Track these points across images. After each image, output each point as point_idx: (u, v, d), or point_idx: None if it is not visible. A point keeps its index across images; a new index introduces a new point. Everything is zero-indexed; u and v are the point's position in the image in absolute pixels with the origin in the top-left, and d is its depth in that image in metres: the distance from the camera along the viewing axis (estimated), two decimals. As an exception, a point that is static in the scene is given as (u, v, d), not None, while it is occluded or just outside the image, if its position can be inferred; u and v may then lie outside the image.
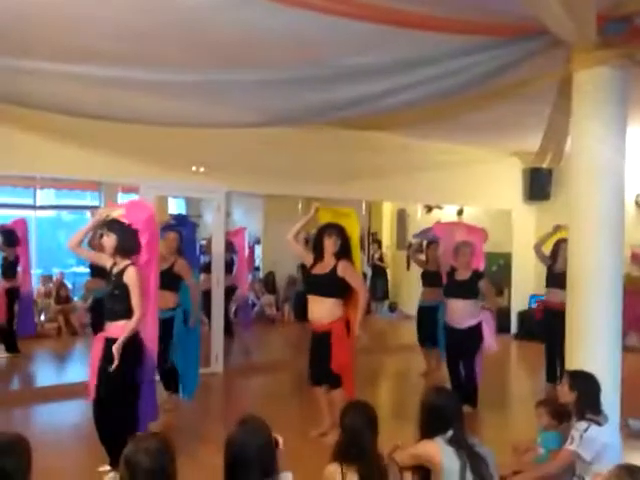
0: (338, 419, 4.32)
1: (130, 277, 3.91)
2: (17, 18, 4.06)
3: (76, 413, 5.52)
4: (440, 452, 2.56)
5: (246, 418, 2.22)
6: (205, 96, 5.41)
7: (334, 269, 4.63)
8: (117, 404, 3.89)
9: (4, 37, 4.37)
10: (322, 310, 4.61)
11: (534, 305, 9.53)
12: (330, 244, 4.69)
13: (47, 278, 9.77)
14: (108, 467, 3.95)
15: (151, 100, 5.26)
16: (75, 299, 9.55)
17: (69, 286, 9.75)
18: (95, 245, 6.19)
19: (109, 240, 3.97)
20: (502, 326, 9.42)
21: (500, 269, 9.57)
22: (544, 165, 6.79)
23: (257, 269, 11.81)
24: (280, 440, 2.27)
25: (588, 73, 4.07)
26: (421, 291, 6.95)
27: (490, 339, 5.38)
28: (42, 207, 10.48)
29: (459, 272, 5.56)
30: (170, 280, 5.11)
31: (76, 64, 4.39)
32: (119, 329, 3.89)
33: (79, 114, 5.24)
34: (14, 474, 1.91)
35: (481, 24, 3.92)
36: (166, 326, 4.95)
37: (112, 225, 4.00)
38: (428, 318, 6.58)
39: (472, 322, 5.37)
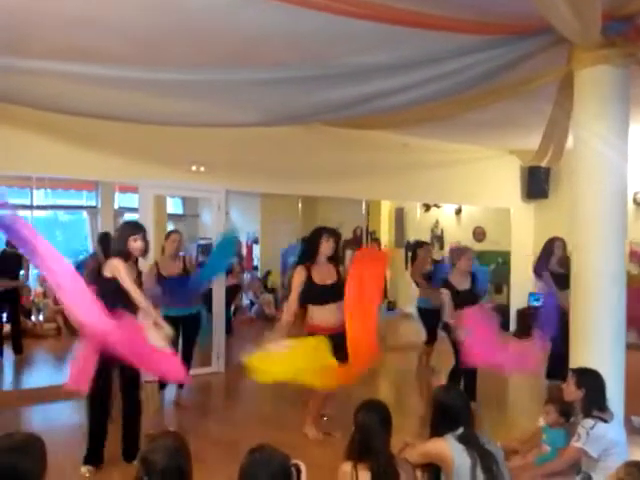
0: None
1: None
2: (21, 16, 4.03)
3: (74, 413, 5.50)
4: (451, 449, 2.57)
5: (256, 448, 2.10)
6: (209, 95, 5.40)
7: (339, 275, 4.72)
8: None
9: (6, 35, 4.35)
10: (339, 314, 4.62)
11: (533, 303, 9.58)
12: (327, 247, 4.72)
13: (44, 278, 9.72)
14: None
15: (152, 99, 5.25)
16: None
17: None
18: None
19: (140, 243, 4.05)
20: (501, 324, 9.48)
21: (499, 267, 9.59)
22: (544, 164, 6.82)
23: (255, 268, 11.80)
24: (303, 468, 2.15)
25: (590, 71, 4.09)
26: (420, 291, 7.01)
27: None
28: (39, 207, 10.42)
29: (457, 281, 5.45)
30: None
31: (78, 63, 4.37)
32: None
33: (80, 113, 5.23)
34: (29, 474, 1.90)
35: (482, 23, 3.93)
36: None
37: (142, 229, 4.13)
38: (432, 318, 6.68)
39: None
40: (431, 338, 6.93)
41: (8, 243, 7.36)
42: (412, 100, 4.93)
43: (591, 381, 3.32)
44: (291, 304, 4.69)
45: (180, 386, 5.69)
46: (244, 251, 11.46)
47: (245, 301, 11.48)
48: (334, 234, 4.80)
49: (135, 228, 4.11)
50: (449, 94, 4.93)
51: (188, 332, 5.43)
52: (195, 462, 2.10)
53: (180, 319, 5.21)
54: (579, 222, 4.18)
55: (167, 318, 4.25)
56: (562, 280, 5.38)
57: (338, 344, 4.70)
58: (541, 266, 6.00)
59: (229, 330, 8.17)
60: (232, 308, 9.41)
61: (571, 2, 3.05)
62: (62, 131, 5.73)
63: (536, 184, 9.43)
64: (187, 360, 5.38)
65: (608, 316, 4.02)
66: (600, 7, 3.25)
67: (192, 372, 6.20)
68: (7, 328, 7.54)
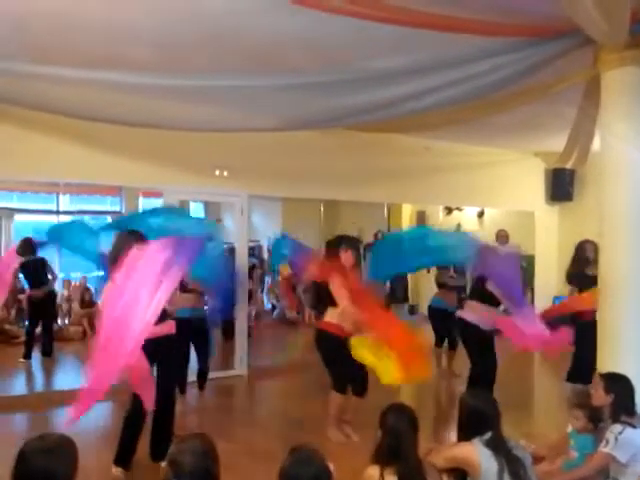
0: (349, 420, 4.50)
1: None
2: (45, 23, 4.10)
3: (100, 415, 5.56)
4: (478, 454, 2.55)
5: (297, 447, 2.13)
6: (227, 101, 5.42)
7: None
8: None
9: (35, 44, 4.44)
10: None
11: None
12: (347, 258, 4.78)
13: (69, 282, 9.88)
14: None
15: (170, 105, 5.30)
16: (98, 302, 9.61)
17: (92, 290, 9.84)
18: None
19: None
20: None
21: (523, 271, 9.47)
22: (568, 166, 6.75)
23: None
24: (332, 467, 2.16)
25: (616, 73, 4.05)
26: (436, 292, 7.02)
27: None
28: (65, 212, 10.59)
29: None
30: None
31: (100, 70, 4.44)
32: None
33: (99, 119, 5.28)
34: (61, 475, 1.93)
35: (507, 25, 3.91)
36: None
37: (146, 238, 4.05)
38: (446, 321, 6.65)
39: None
40: (439, 340, 6.98)
41: (19, 250, 7.43)
42: (433, 104, 4.90)
43: (620, 386, 3.27)
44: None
45: (201, 388, 5.75)
46: (265, 255, 11.52)
47: (267, 305, 11.53)
48: (352, 244, 4.94)
49: (140, 237, 3.93)
50: (475, 97, 4.89)
51: (199, 334, 5.50)
52: (222, 464, 2.12)
53: (190, 321, 5.24)
54: (606, 225, 4.14)
55: (176, 319, 4.25)
56: (592, 282, 5.32)
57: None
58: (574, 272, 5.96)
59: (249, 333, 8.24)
60: (253, 313, 9.45)
61: (600, 2, 3.02)
62: (88, 138, 5.82)
63: (561, 187, 9.30)
64: (205, 367, 5.47)
65: (636, 319, 3.96)
66: (629, 7, 3.21)
67: (215, 375, 6.27)
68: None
